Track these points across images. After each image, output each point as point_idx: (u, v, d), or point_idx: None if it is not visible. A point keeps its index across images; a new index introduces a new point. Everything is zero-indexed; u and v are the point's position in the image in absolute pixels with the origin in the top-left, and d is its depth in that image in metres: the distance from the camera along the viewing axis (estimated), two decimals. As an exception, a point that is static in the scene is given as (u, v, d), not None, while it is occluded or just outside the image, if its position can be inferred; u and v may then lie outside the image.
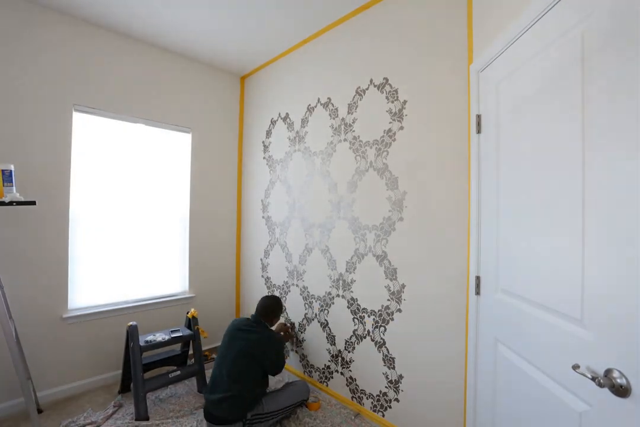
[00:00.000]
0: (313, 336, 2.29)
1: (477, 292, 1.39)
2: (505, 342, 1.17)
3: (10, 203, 1.60)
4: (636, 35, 0.69)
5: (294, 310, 2.45)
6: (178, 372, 2.06)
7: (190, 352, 2.31)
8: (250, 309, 2.90)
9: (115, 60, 2.30)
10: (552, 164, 0.94)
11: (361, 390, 1.97)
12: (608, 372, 0.71)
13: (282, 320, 2.51)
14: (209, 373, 2.31)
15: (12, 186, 1.63)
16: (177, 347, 2.32)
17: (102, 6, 2.01)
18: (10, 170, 1.63)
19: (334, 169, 2.17)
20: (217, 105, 2.87)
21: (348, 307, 2.06)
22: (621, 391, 0.68)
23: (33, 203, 1.68)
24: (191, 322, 2.20)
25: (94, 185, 2.26)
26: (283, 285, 2.55)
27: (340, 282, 2.11)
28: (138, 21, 2.17)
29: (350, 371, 2.04)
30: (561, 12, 0.91)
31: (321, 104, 2.28)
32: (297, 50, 2.49)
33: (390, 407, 1.82)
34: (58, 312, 2.06)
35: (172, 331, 2.16)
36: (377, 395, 1.88)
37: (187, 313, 2.24)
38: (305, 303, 2.36)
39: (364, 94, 1.99)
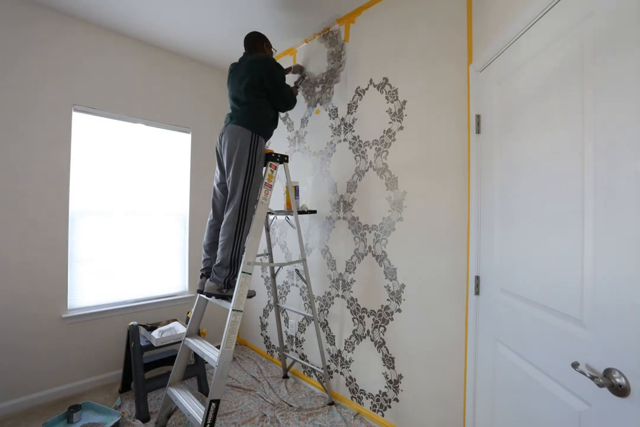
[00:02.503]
0: (313, 335, 2.29)
1: (477, 292, 1.39)
2: (505, 342, 1.17)
3: (303, 211, 2.14)
4: (637, 35, 0.69)
5: (293, 310, 2.45)
6: None
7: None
8: (248, 309, 2.90)
9: (115, 60, 2.30)
10: (552, 164, 0.94)
11: (361, 390, 1.97)
12: (607, 372, 0.72)
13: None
14: (209, 373, 2.32)
15: (299, 199, 2.20)
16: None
17: (102, 5, 2.01)
18: (298, 186, 2.23)
19: (334, 168, 2.17)
20: (217, 105, 2.87)
21: (348, 307, 2.06)
22: (620, 391, 0.68)
23: (314, 212, 2.22)
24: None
25: (94, 185, 2.26)
26: (283, 285, 2.55)
27: (340, 282, 2.11)
28: (137, 21, 2.17)
29: (350, 370, 2.04)
30: (561, 12, 0.91)
31: (320, 104, 2.28)
32: (298, 48, 2.49)
33: (389, 407, 1.82)
34: (58, 312, 2.06)
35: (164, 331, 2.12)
36: (377, 395, 1.88)
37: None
38: (305, 303, 2.36)
39: (364, 94, 1.99)
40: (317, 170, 2.30)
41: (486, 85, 1.33)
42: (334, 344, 2.15)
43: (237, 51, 2.54)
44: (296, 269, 2.31)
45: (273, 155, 1.81)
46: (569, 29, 0.88)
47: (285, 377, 2.37)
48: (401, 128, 1.79)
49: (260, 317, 2.80)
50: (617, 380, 0.69)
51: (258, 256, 2.27)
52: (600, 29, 0.78)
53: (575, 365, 0.79)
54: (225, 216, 1.67)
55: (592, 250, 0.79)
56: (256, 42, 1.96)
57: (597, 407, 0.76)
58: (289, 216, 2.27)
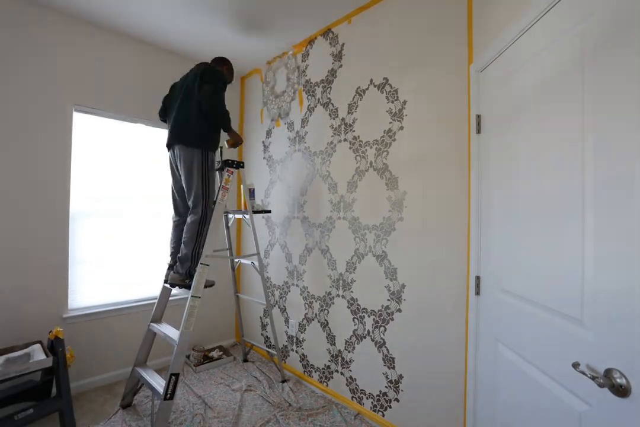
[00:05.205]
0: (313, 335, 2.29)
1: (477, 292, 1.39)
2: (505, 342, 1.17)
3: (260, 211, 2.36)
4: (637, 34, 0.69)
5: (294, 310, 2.45)
6: (30, 411, 1.51)
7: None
8: (248, 309, 2.90)
9: (115, 60, 2.30)
10: (552, 164, 0.94)
11: (361, 390, 1.97)
12: (608, 372, 0.72)
13: None
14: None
15: (254, 200, 2.38)
16: (34, 377, 1.61)
17: (102, 5, 2.01)
18: (254, 189, 2.39)
19: (334, 169, 2.17)
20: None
21: (348, 307, 2.06)
22: (621, 391, 0.68)
23: (269, 211, 2.46)
24: (54, 345, 1.70)
25: (94, 186, 2.26)
26: (283, 285, 2.55)
27: (340, 282, 2.11)
28: (139, 22, 2.17)
29: (350, 370, 2.04)
30: (561, 12, 0.91)
31: (321, 104, 2.28)
32: (300, 49, 2.49)
33: (390, 407, 1.82)
34: (58, 313, 2.06)
35: (12, 359, 1.57)
36: (377, 395, 1.88)
37: (49, 333, 1.78)
38: (305, 303, 2.36)
39: (364, 94, 1.99)
40: (317, 170, 2.30)
41: (487, 85, 1.33)
42: (334, 344, 2.15)
43: (238, 51, 2.56)
44: (252, 262, 2.35)
45: (230, 162, 2.04)
46: (569, 29, 0.88)
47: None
48: (401, 128, 1.79)
49: (260, 317, 2.80)
50: (618, 380, 0.69)
51: (221, 250, 2.40)
52: (600, 29, 0.78)
53: (575, 365, 0.79)
54: (190, 216, 1.89)
55: (593, 250, 0.79)
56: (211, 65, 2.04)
57: (598, 407, 0.76)
58: (245, 215, 2.34)
